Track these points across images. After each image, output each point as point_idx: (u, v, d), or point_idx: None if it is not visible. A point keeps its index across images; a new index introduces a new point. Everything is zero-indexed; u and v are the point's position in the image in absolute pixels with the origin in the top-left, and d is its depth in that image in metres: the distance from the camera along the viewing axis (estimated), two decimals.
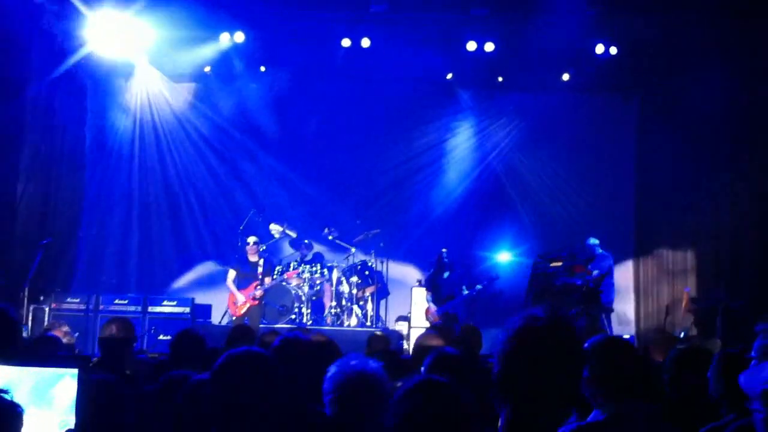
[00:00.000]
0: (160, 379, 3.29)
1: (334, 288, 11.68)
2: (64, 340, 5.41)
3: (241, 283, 10.74)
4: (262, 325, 10.24)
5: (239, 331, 5.46)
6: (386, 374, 2.94)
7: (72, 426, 2.15)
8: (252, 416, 2.29)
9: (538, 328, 1.90)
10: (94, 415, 2.58)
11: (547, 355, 1.86)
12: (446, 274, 10.86)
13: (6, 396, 1.83)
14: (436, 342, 4.89)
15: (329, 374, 2.93)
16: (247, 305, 10.62)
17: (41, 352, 4.76)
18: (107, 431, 2.89)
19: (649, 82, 12.22)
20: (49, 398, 2.07)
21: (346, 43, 11.68)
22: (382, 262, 12.23)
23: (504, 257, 12.13)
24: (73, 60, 11.12)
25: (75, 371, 2.14)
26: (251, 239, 10.98)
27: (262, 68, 12.44)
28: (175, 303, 10.89)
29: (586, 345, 2.83)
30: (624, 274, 12.11)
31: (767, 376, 3.09)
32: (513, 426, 1.89)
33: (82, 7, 10.31)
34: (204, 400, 2.42)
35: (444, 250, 10.99)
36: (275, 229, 12.04)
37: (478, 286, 10.89)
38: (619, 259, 11.21)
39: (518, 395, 1.88)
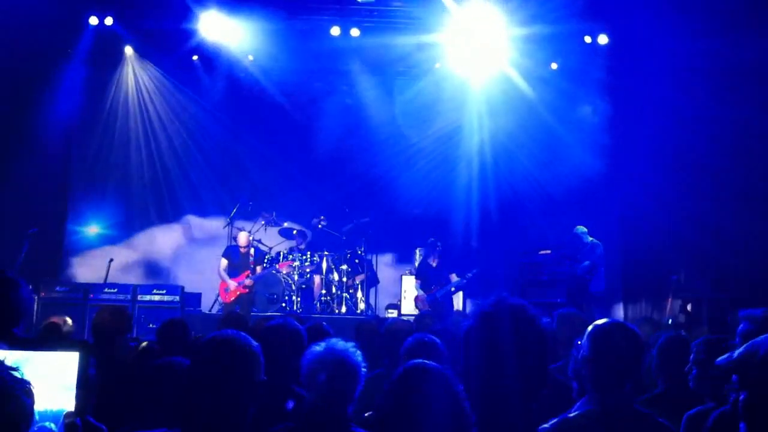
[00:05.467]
0: (151, 364, 3.33)
1: (324, 276, 11.71)
2: (64, 329, 5.46)
3: (232, 272, 10.76)
4: (252, 314, 10.28)
5: (231, 318, 5.48)
6: (361, 356, 2.98)
7: (66, 408, 2.18)
8: (233, 397, 2.32)
9: (492, 311, 1.93)
10: (93, 397, 2.62)
11: (500, 334, 1.88)
12: (435, 263, 10.91)
13: (16, 373, 1.86)
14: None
15: (305, 358, 2.97)
16: (238, 293, 10.66)
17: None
18: (104, 412, 2.92)
19: (637, 76, 12.25)
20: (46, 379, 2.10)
21: (335, 32, 11.70)
22: (371, 254, 12.28)
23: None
24: None
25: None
26: (242, 231, 11.03)
27: (250, 57, 12.40)
28: (164, 291, 10.82)
29: (590, 330, 2.82)
30: (611, 264, 12.17)
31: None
32: (483, 412, 1.91)
33: None
34: (188, 384, 2.44)
35: (432, 239, 11.04)
36: (266, 217, 12.05)
37: (468, 275, 10.95)
38: (606, 248, 11.27)
39: (479, 377, 1.89)
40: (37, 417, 1.94)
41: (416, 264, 11.69)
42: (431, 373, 2.08)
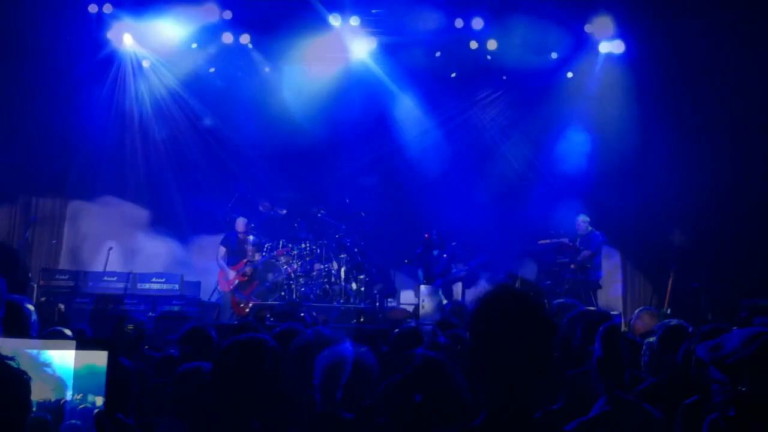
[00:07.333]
0: (177, 371, 3.31)
1: (323, 265, 11.70)
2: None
3: (230, 260, 10.76)
4: (252, 303, 10.30)
5: (247, 328, 5.42)
6: (373, 359, 2.97)
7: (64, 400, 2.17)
8: (253, 400, 2.32)
9: (504, 295, 1.92)
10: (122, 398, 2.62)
11: (509, 318, 1.87)
12: (435, 252, 10.91)
13: (13, 363, 1.85)
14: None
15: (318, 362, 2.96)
16: (237, 281, 10.66)
17: None
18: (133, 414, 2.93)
19: (636, 65, 12.20)
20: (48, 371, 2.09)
21: (334, 21, 11.65)
22: (370, 243, 12.27)
23: None
24: None
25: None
26: (240, 218, 11.01)
27: (249, 45, 12.34)
28: (163, 280, 10.78)
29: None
30: (611, 253, 12.18)
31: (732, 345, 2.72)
32: (490, 400, 1.90)
33: None
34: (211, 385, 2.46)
35: (432, 230, 11.03)
36: (264, 206, 12.03)
37: (471, 265, 10.95)
38: (606, 238, 11.27)
39: (488, 365, 1.88)
40: (34, 408, 1.93)
41: (415, 253, 11.68)
42: (433, 363, 2.07)
